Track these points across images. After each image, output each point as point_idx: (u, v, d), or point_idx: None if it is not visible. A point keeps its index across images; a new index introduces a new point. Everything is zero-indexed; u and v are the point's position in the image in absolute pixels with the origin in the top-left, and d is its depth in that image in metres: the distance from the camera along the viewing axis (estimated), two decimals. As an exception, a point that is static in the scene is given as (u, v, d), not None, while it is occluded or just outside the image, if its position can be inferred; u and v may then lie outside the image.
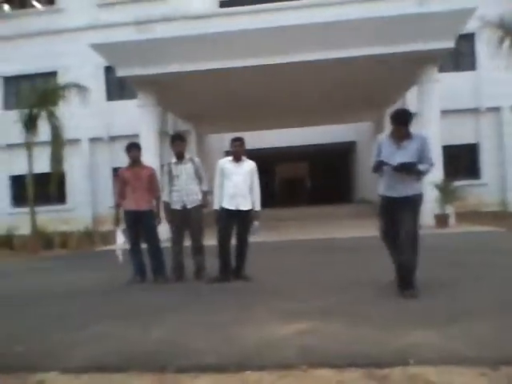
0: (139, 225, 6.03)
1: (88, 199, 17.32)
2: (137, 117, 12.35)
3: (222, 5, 20.27)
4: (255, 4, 16.60)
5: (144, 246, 6.17)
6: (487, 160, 16.06)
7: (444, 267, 6.05)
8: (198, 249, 6.09)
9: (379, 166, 4.58)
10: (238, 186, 5.75)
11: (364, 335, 3.44)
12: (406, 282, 4.50)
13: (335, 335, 3.48)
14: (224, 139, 15.75)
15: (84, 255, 10.15)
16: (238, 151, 5.85)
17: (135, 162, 6.10)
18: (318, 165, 22.79)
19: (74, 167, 16.97)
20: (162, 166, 7.52)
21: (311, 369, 2.92)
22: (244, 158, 5.93)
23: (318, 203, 19.76)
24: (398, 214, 4.53)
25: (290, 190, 24.75)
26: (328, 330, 3.63)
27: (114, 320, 4.29)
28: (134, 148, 6.11)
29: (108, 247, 10.33)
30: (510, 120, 15.74)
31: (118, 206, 6.22)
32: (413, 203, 4.52)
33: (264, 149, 17.31)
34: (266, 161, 18.59)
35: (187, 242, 6.19)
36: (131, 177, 6.01)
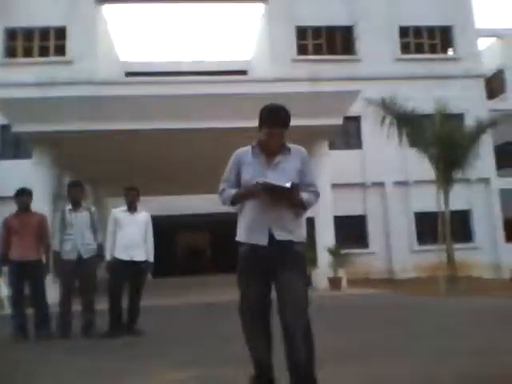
0: (25, 276, 5.62)
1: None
2: (30, 177, 11.80)
3: (127, 75, 20.76)
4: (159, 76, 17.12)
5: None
6: (374, 231, 17.23)
7: (340, 322, 6.35)
8: (89, 304, 5.75)
9: (246, 194, 2.92)
10: (132, 236, 5.64)
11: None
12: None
13: (226, 380, 3.49)
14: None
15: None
16: (132, 201, 5.81)
17: (24, 208, 5.77)
18: (219, 233, 22.94)
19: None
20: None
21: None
22: (138, 208, 5.90)
23: (219, 271, 19.78)
24: (269, 275, 2.87)
25: (191, 259, 24.61)
26: (218, 375, 3.63)
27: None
28: (25, 194, 5.78)
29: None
30: (392, 195, 17.24)
31: (1, 256, 5.77)
32: (298, 257, 2.89)
33: (165, 216, 17.15)
34: (167, 229, 18.37)
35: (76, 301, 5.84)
36: (18, 225, 5.65)
